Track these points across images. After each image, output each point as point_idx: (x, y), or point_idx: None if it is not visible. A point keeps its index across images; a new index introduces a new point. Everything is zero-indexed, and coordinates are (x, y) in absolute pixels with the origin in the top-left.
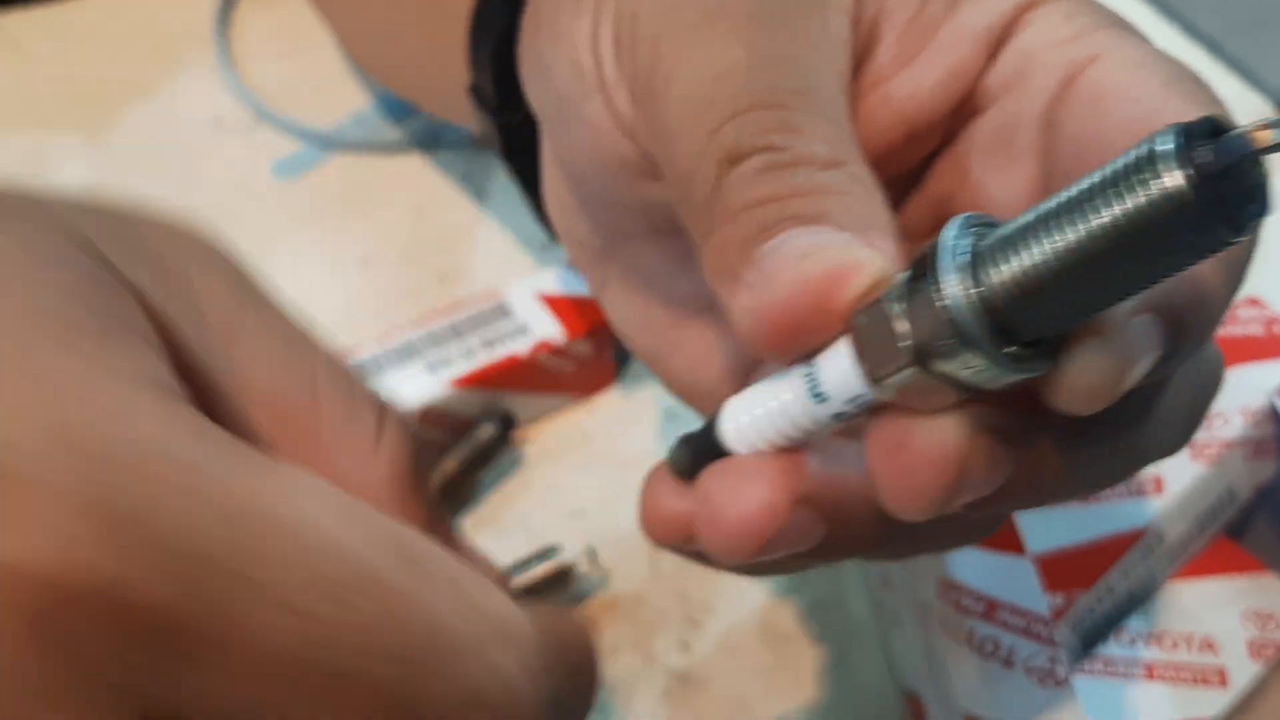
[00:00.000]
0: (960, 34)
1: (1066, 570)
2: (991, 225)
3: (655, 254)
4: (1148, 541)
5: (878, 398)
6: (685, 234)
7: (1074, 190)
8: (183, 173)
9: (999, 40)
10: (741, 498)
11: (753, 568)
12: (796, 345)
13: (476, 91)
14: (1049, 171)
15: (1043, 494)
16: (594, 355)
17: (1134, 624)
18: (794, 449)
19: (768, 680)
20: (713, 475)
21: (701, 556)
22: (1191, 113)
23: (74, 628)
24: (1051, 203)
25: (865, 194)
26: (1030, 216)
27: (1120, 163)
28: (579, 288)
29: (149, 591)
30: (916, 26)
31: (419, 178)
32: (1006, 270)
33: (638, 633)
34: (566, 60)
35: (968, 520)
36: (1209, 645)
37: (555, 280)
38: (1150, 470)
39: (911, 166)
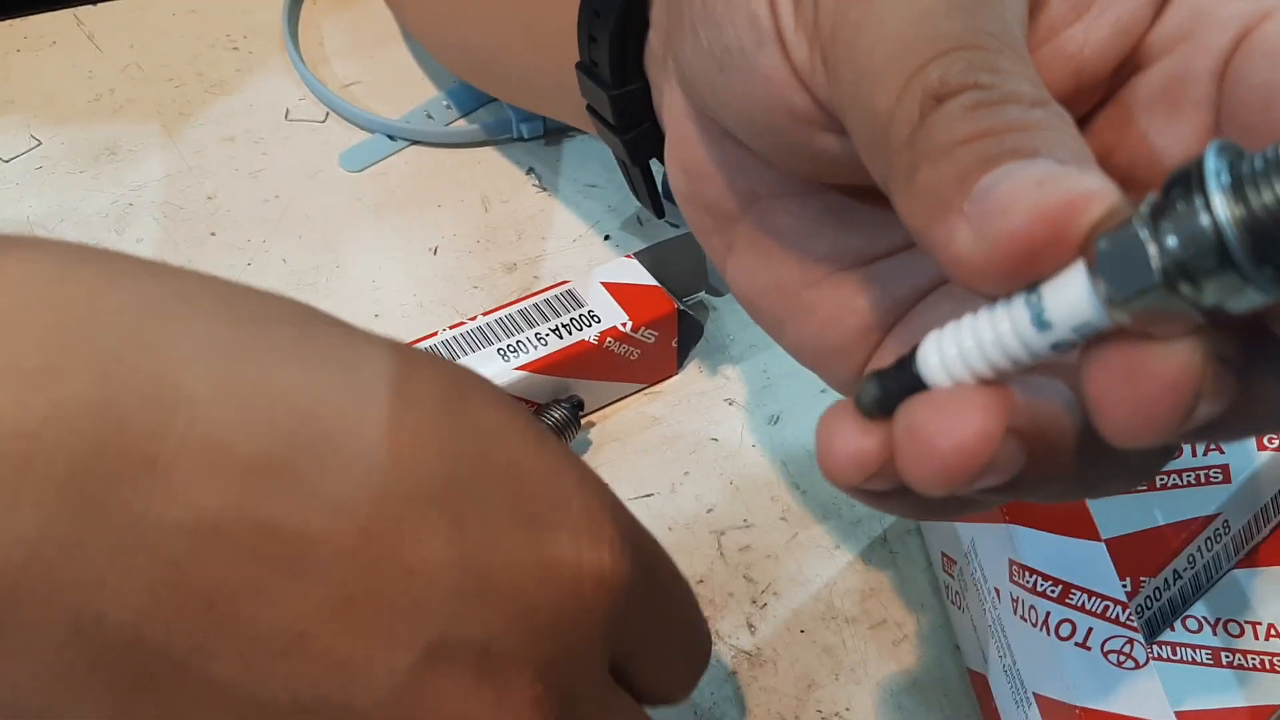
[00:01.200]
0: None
1: (1133, 555)
2: (1240, 153)
3: (791, 214)
4: (1214, 528)
5: (1113, 323)
6: (859, 187)
7: None
8: (256, 164)
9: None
10: (957, 426)
11: (945, 505)
12: (1028, 274)
13: (585, 68)
14: (1225, 123)
15: (1255, 424)
16: (659, 342)
17: (1200, 610)
18: (998, 381)
19: (833, 660)
20: (920, 406)
21: (881, 497)
22: None
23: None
24: None
25: (1072, 131)
26: None
27: None
28: (645, 277)
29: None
30: None
31: (486, 170)
32: (1269, 194)
33: (705, 614)
34: (742, 12)
35: (1149, 458)
36: (1274, 632)
37: (622, 269)
38: (1219, 460)
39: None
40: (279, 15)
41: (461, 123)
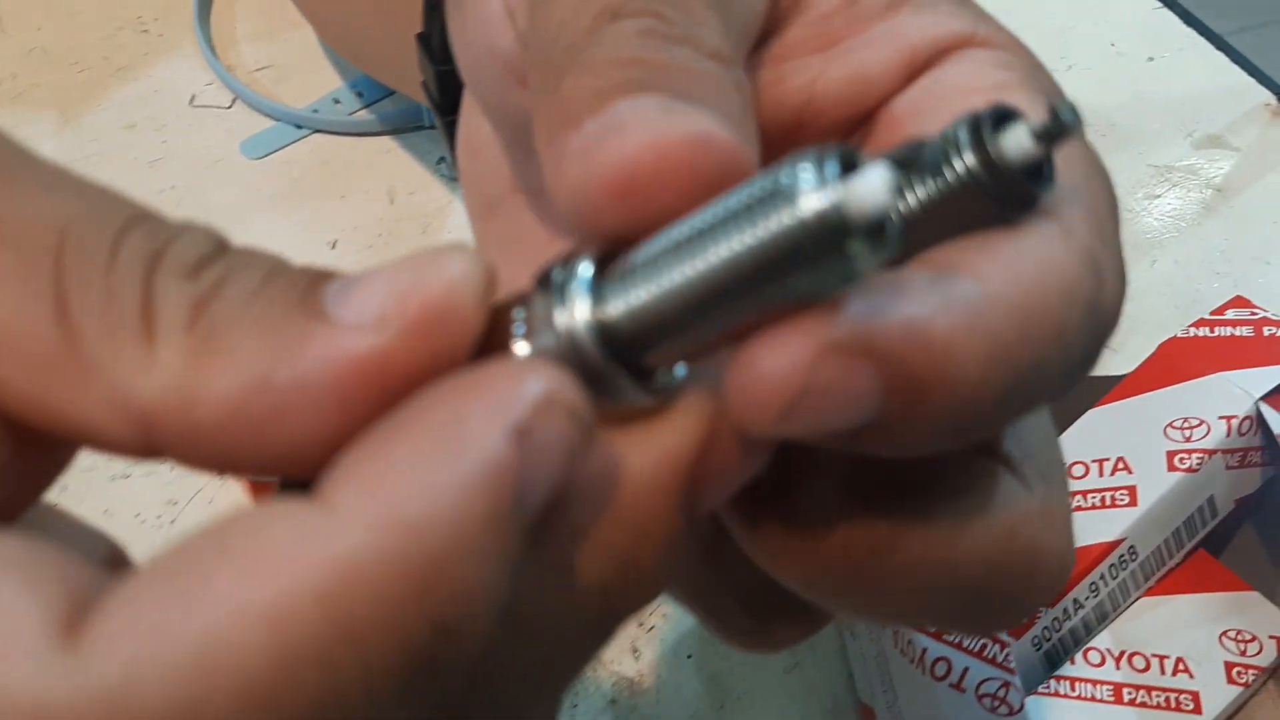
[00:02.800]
0: (887, 39)
1: None
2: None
3: (538, 213)
4: (1119, 555)
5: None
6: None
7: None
8: (155, 153)
9: (924, 63)
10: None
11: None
12: (625, 212)
13: (424, 39)
14: None
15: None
16: None
17: (1103, 642)
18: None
19: (720, 689)
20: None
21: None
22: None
23: None
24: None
25: (740, 100)
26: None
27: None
28: None
29: None
30: (845, 16)
31: (392, 160)
32: (628, 301)
33: None
34: None
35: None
36: (1183, 667)
37: None
38: (1125, 480)
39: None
40: (190, 1)
41: (369, 112)
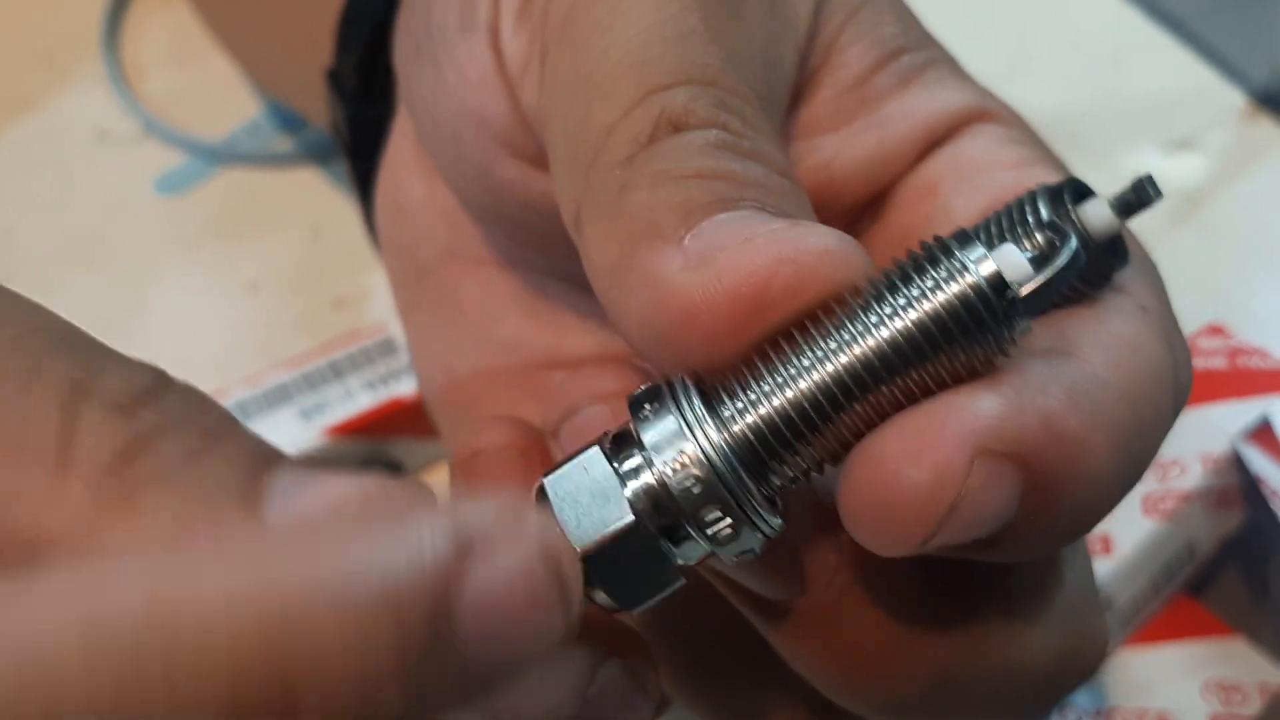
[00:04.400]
0: (906, 115)
1: None
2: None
3: (481, 285)
4: None
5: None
6: (547, 229)
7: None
8: (60, 190)
9: (938, 139)
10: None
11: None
12: (752, 324)
13: (335, 77)
14: None
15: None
16: None
17: (1081, 700)
18: None
19: None
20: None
21: None
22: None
23: None
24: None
25: (810, 214)
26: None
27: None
28: None
29: None
30: (859, 93)
31: (315, 193)
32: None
33: None
34: None
35: None
36: None
37: None
38: (1099, 528)
39: None
40: (98, 25)
41: (289, 141)
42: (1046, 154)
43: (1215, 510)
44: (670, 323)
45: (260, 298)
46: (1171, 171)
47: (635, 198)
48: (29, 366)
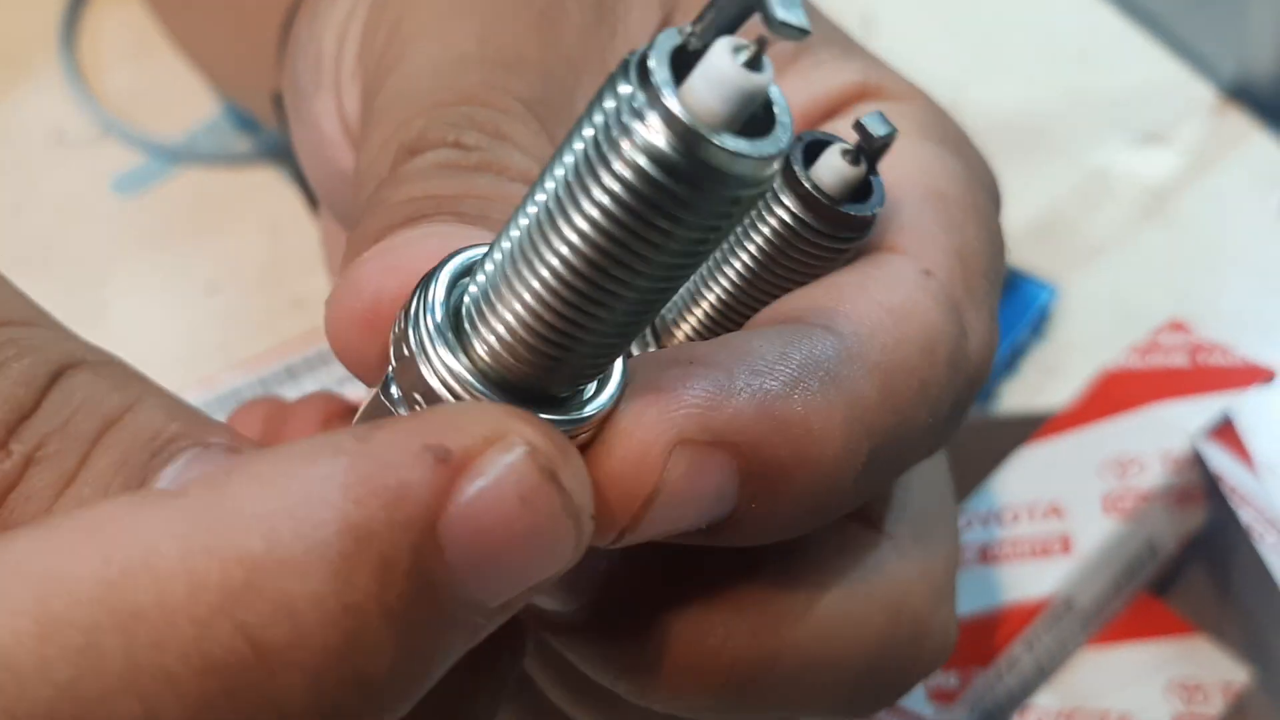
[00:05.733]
0: (789, 93)
1: (963, 646)
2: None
3: None
4: (1055, 609)
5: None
6: None
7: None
8: (17, 190)
9: (826, 116)
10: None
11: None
12: (377, 338)
13: (280, 99)
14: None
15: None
16: None
17: (1042, 701)
18: None
19: None
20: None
21: None
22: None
23: None
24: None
25: None
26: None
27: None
28: None
29: None
30: None
31: (275, 193)
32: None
33: None
34: (312, 46)
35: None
36: None
37: None
38: (1058, 527)
39: None
40: (55, 22)
41: (248, 141)
42: (928, 126)
43: (1176, 509)
44: (332, 347)
45: (220, 298)
46: (1141, 166)
47: (354, 233)
48: None
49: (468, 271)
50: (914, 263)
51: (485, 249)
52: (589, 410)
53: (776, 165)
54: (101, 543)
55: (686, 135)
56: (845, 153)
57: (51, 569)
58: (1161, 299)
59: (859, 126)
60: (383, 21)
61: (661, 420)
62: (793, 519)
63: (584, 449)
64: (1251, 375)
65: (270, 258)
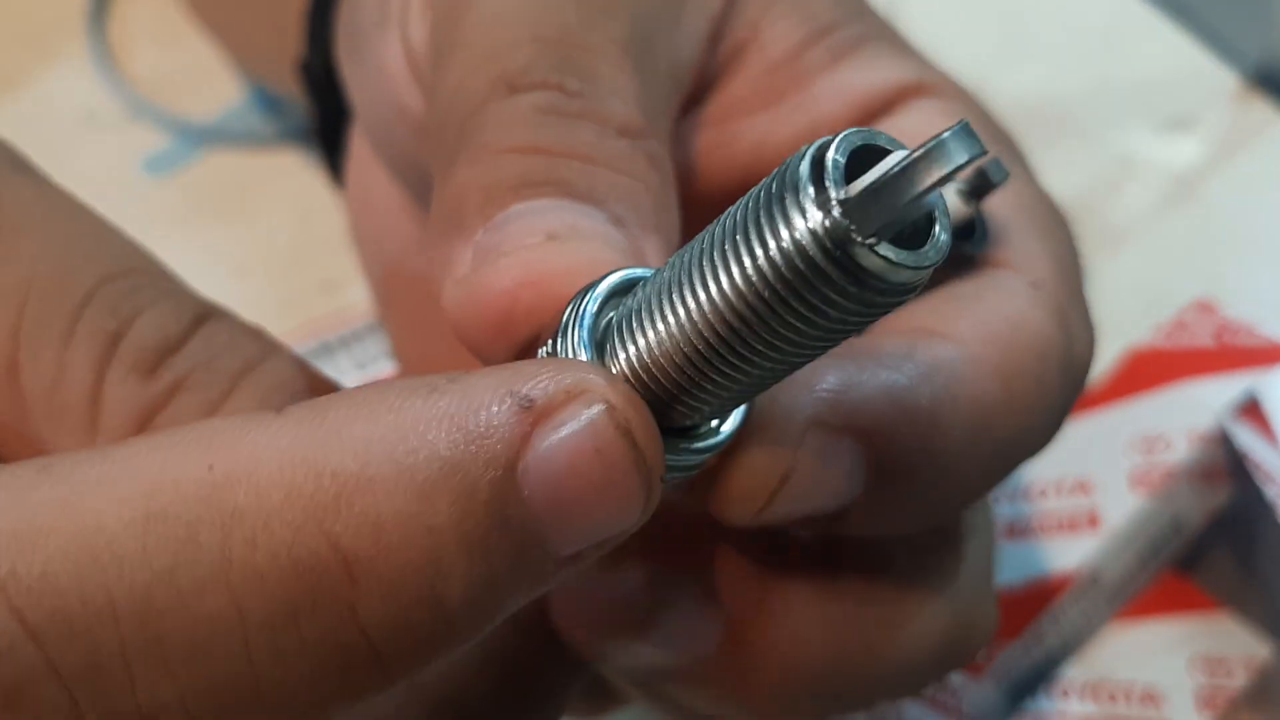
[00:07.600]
0: (838, 92)
1: None
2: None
3: None
4: (1081, 584)
5: None
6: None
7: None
8: (47, 171)
9: (873, 115)
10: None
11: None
12: (504, 339)
13: (306, 69)
14: None
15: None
16: None
17: (1068, 674)
18: None
19: None
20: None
21: None
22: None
23: None
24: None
25: (650, 181)
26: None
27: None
28: None
29: None
30: (789, 70)
31: (304, 175)
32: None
33: None
34: None
35: None
36: (1151, 697)
37: None
38: (1086, 503)
39: None
40: (85, 7)
41: (277, 123)
42: (987, 127)
43: (1202, 486)
44: (454, 326)
45: (249, 279)
46: (1165, 152)
47: (458, 175)
48: (67, 324)
49: (624, 290)
50: (1022, 276)
51: (628, 272)
52: (709, 441)
53: (931, 271)
54: (208, 450)
55: (847, 241)
56: (960, 193)
57: (161, 468)
58: (1187, 282)
59: (980, 169)
60: None
61: (797, 402)
62: (917, 510)
63: (703, 475)
64: (1277, 355)
65: (298, 239)
